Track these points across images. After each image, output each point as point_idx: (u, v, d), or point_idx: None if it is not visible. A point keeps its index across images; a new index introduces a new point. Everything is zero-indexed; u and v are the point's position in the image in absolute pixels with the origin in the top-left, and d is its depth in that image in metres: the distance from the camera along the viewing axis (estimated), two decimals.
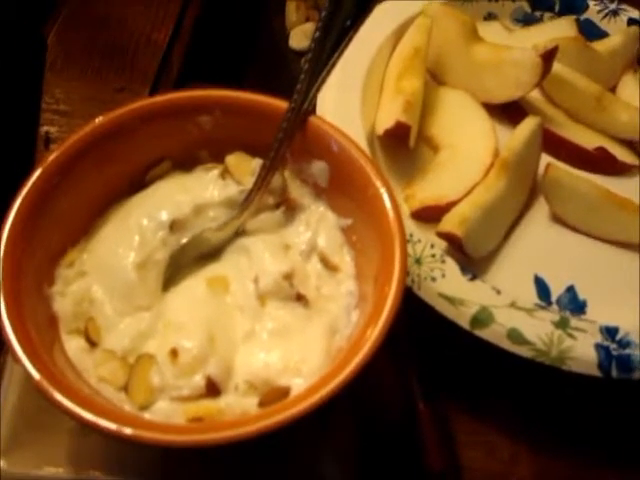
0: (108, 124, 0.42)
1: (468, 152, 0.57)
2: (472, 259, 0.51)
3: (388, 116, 0.56)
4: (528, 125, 0.57)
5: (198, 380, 0.37)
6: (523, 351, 0.47)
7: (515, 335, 0.47)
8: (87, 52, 0.67)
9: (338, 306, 0.41)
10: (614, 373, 0.47)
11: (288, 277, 0.41)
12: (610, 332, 0.48)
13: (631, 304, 0.51)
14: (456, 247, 0.51)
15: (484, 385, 0.52)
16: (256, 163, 0.43)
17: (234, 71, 0.69)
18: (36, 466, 0.40)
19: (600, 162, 0.60)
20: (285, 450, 0.40)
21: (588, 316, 0.51)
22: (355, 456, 0.42)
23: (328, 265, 0.42)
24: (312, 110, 0.42)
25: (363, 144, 0.52)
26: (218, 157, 0.44)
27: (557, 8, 0.70)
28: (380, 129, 0.56)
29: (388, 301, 0.36)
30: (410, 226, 0.51)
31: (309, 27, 0.73)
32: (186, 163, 0.45)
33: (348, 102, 0.56)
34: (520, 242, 0.55)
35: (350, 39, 0.40)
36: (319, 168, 0.43)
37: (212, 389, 0.37)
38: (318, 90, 0.41)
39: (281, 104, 0.42)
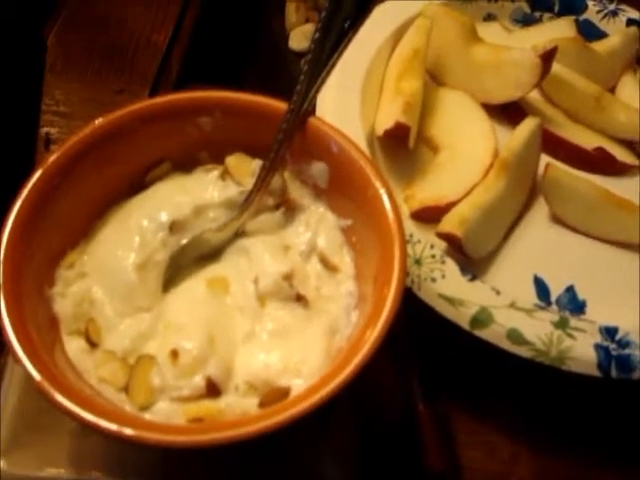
0: (108, 125, 0.42)
1: (468, 153, 0.57)
2: (472, 259, 0.51)
3: (388, 117, 0.56)
4: (527, 125, 0.57)
5: (198, 381, 0.37)
6: (523, 351, 0.47)
7: (515, 335, 0.47)
8: (87, 53, 0.67)
9: (338, 306, 0.41)
10: (614, 373, 0.47)
11: (288, 278, 0.41)
12: (610, 332, 0.48)
13: (631, 304, 0.51)
14: (456, 248, 0.51)
15: (484, 385, 0.52)
16: (256, 164, 0.43)
17: (234, 72, 0.69)
18: (37, 467, 0.40)
19: (599, 162, 0.60)
20: (285, 450, 0.40)
21: (588, 316, 0.51)
22: (355, 456, 0.42)
23: (328, 266, 0.42)
24: (312, 111, 0.42)
25: (363, 145, 0.52)
26: (218, 158, 0.44)
27: (556, 8, 0.70)
28: (380, 130, 0.56)
29: (388, 302, 0.36)
30: (410, 227, 0.51)
31: (309, 28, 0.73)
32: (186, 164, 0.45)
33: (348, 103, 0.56)
34: (520, 242, 0.55)
35: (349, 40, 0.40)
36: (319, 169, 0.43)
37: (212, 390, 0.37)
38: (318, 91, 0.41)
39: (281, 105, 0.42)
